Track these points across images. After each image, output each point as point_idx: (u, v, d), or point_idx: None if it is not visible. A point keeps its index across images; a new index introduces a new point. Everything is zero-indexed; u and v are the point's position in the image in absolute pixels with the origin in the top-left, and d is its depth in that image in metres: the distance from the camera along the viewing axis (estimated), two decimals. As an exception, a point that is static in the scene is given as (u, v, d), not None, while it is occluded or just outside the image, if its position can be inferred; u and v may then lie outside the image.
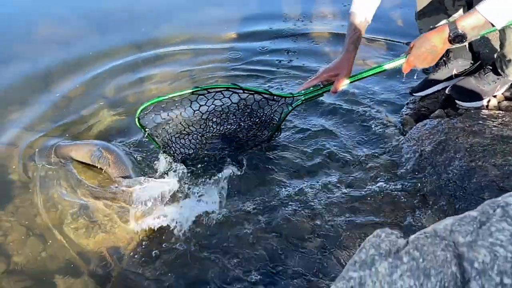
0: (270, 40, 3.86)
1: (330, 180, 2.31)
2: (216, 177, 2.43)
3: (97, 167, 2.44)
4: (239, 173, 2.48)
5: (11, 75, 4.08)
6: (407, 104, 2.79)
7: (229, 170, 2.45)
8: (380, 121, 2.69)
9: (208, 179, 2.42)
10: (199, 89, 2.05)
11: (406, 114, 2.67)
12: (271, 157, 2.63)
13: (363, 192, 2.20)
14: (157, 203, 2.13)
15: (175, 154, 2.53)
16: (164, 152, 2.48)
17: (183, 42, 4.85)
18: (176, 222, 2.12)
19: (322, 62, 3.45)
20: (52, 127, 3.30)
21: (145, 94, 3.87)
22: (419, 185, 2.15)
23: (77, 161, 2.58)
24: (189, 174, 2.48)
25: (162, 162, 2.48)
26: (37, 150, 2.87)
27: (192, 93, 2.04)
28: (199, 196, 2.26)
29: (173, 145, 2.50)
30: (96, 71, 4.15)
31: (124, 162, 2.49)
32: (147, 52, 4.51)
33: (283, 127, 2.75)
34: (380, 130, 2.63)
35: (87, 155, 2.54)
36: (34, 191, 2.52)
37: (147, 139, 2.49)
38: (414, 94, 2.75)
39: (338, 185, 2.28)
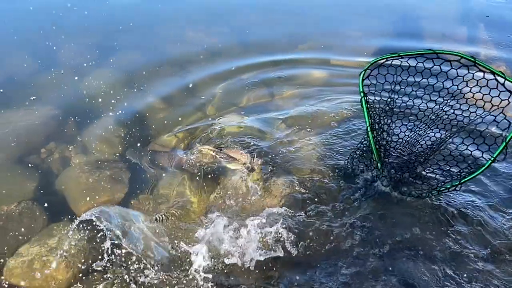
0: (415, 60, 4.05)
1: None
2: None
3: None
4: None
5: (157, 75, 4.98)
6: None
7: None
8: None
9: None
10: (431, 51, 2.21)
11: None
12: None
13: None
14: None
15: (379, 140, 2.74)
16: (370, 131, 2.67)
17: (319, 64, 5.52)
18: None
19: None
20: (185, 128, 4.20)
21: (271, 108, 4.60)
22: None
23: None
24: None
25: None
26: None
27: (422, 54, 2.24)
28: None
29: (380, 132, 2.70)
30: (234, 81, 5.02)
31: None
32: (283, 71, 5.32)
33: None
34: None
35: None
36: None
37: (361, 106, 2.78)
38: None
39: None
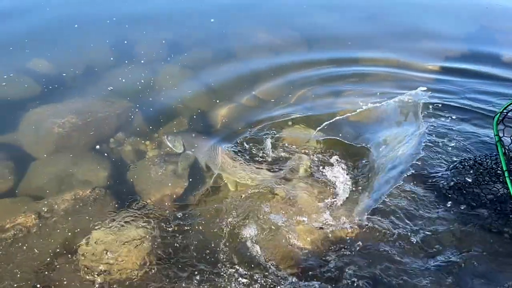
0: (477, 80, 3.95)
1: None
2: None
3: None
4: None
5: (226, 73, 5.06)
6: None
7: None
8: None
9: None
10: None
11: None
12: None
13: None
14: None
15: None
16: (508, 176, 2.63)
17: (386, 65, 5.47)
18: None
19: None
20: (241, 124, 4.26)
21: (331, 107, 4.57)
22: None
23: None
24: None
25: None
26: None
27: None
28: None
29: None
30: (294, 78, 5.03)
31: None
32: (347, 68, 5.31)
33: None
34: None
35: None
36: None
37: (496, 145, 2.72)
38: None
39: None
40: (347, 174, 3.67)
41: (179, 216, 3.27)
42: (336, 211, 3.32)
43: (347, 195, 3.47)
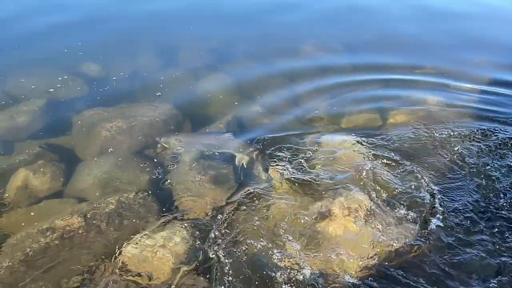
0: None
1: None
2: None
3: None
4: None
5: (270, 82, 5.17)
6: None
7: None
8: None
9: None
10: None
11: None
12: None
13: None
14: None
15: None
16: None
17: (435, 75, 5.46)
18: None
19: None
20: (284, 133, 4.27)
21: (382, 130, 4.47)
22: None
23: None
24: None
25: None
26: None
27: None
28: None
29: None
30: (342, 98, 4.99)
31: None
32: (394, 75, 5.37)
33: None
34: None
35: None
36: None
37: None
38: None
39: None
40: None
41: (219, 225, 3.24)
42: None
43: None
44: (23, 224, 3.24)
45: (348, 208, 3.30)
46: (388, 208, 3.38)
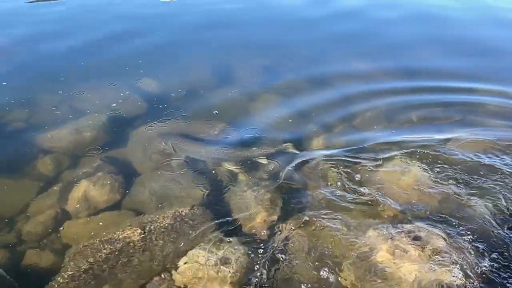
0: None
1: None
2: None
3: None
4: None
5: (322, 101, 5.08)
6: None
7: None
8: None
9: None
10: None
11: None
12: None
13: None
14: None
15: None
16: None
17: (502, 96, 5.27)
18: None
19: None
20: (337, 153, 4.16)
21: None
22: None
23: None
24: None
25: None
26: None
27: None
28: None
29: None
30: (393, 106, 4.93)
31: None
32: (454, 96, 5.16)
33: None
34: None
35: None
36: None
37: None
38: None
39: None
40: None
41: (273, 245, 3.16)
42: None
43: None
44: (83, 234, 3.33)
45: (409, 238, 3.08)
46: (455, 241, 3.10)
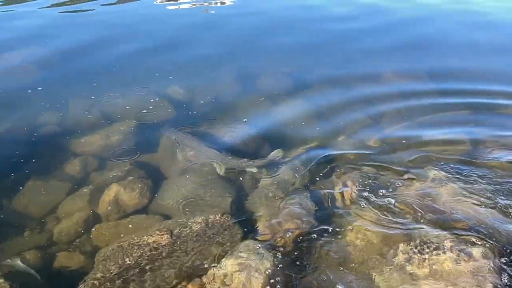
0: None
1: None
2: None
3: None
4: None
5: (352, 110, 5.03)
6: None
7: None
8: None
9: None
10: None
11: None
12: None
13: None
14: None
15: None
16: None
17: None
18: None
19: None
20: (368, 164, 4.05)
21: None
22: None
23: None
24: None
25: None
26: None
27: None
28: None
29: None
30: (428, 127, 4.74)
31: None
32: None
33: None
34: None
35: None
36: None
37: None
38: None
39: None
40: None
41: (300, 253, 3.10)
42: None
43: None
44: (113, 237, 3.36)
45: (449, 251, 2.94)
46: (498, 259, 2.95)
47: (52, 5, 9.40)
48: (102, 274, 2.92)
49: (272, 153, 4.22)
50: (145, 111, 4.90)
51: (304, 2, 9.68)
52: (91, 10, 9.10)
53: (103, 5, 9.48)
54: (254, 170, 4.04)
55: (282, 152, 4.22)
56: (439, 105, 5.05)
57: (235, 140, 4.46)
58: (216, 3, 9.69)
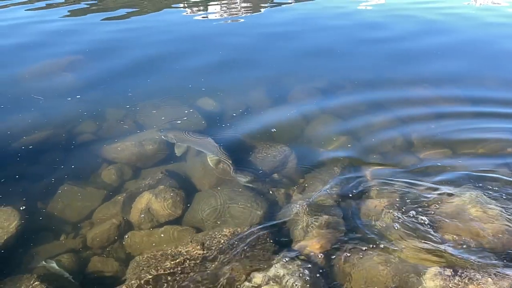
0: None
1: None
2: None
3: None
4: None
5: (381, 127, 5.03)
6: None
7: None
8: None
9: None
10: None
11: None
12: None
13: None
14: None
15: None
16: None
17: None
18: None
19: None
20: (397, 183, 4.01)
21: None
22: None
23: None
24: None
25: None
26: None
27: None
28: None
29: None
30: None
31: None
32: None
33: None
34: None
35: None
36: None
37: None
38: None
39: None
40: None
41: (329, 270, 3.10)
42: None
43: None
44: (146, 246, 3.41)
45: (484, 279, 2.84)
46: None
47: (103, 19, 9.65)
48: (134, 282, 2.96)
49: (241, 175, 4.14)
50: (179, 122, 4.98)
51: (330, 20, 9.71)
52: (129, 18, 9.41)
53: (131, 15, 9.81)
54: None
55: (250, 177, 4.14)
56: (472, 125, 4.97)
57: (270, 156, 4.47)
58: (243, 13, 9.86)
